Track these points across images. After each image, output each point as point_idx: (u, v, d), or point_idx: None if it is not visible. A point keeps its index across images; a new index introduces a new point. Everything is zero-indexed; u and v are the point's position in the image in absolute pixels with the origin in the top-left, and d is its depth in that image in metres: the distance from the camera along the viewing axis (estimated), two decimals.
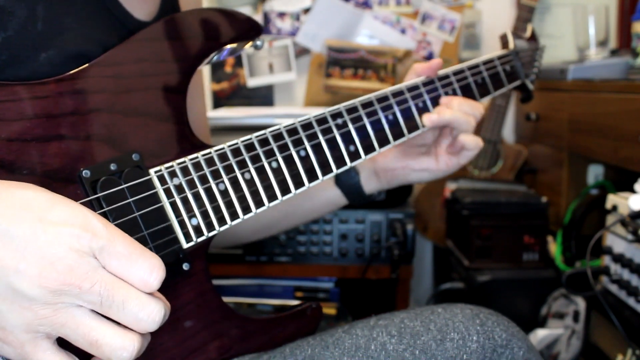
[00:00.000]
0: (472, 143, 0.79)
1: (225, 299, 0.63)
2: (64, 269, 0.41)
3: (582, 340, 1.27)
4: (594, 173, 1.57)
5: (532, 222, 1.48)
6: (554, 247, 1.52)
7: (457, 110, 0.77)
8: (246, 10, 1.93)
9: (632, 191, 1.10)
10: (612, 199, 1.11)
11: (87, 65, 0.55)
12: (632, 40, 1.38)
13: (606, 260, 1.12)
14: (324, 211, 0.90)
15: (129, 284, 0.43)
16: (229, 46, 0.66)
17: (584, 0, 1.74)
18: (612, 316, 1.04)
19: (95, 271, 0.42)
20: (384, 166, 0.85)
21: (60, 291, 0.41)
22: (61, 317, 0.42)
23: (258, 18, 1.92)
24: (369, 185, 0.86)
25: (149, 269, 0.44)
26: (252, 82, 1.96)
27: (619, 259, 1.06)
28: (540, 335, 1.38)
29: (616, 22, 1.84)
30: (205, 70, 1.97)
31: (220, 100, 1.99)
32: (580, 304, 1.33)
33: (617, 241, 1.08)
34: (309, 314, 0.69)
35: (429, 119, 0.77)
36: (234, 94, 1.99)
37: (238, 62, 1.97)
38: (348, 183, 0.85)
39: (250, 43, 0.69)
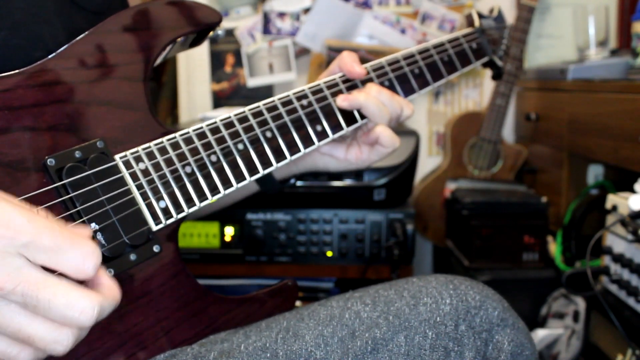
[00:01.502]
0: (388, 138, 0.75)
1: None
2: None
3: (582, 340, 1.27)
4: (594, 173, 1.57)
5: (532, 222, 1.48)
6: (554, 247, 1.52)
7: (373, 97, 0.74)
8: (246, 10, 1.93)
9: (632, 191, 1.10)
10: (612, 199, 1.11)
11: (47, 58, 0.56)
12: (632, 40, 1.38)
13: (606, 260, 1.12)
14: (238, 197, 0.88)
15: (64, 275, 0.43)
16: (188, 36, 0.68)
17: (584, 0, 1.74)
18: (612, 316, 1.04)
19: (18, 271, 0.41)
20: None
21: None
22: None
23: (258, 18, 1.92)
24: (279, 170, 0.82)
25: (82, 256, 0.43)
26: (252, 82, 1.96)
27: (619, 259, 1.06)
28: (540, 335, 1.38)
29: (616, 22, 1.84)
30: (205, 70, 1.98)
31: (220, 100, 1.99)
32: (580, 304, 1.33)
33: (617, 241, 1.08)
34: (285, 291, 0.70)
35: (342, 99, 0.74)
36: (234, 94, 1.99)
37: (238, 62, 1.97)
38: None
39: (210, 33, 0.70)
